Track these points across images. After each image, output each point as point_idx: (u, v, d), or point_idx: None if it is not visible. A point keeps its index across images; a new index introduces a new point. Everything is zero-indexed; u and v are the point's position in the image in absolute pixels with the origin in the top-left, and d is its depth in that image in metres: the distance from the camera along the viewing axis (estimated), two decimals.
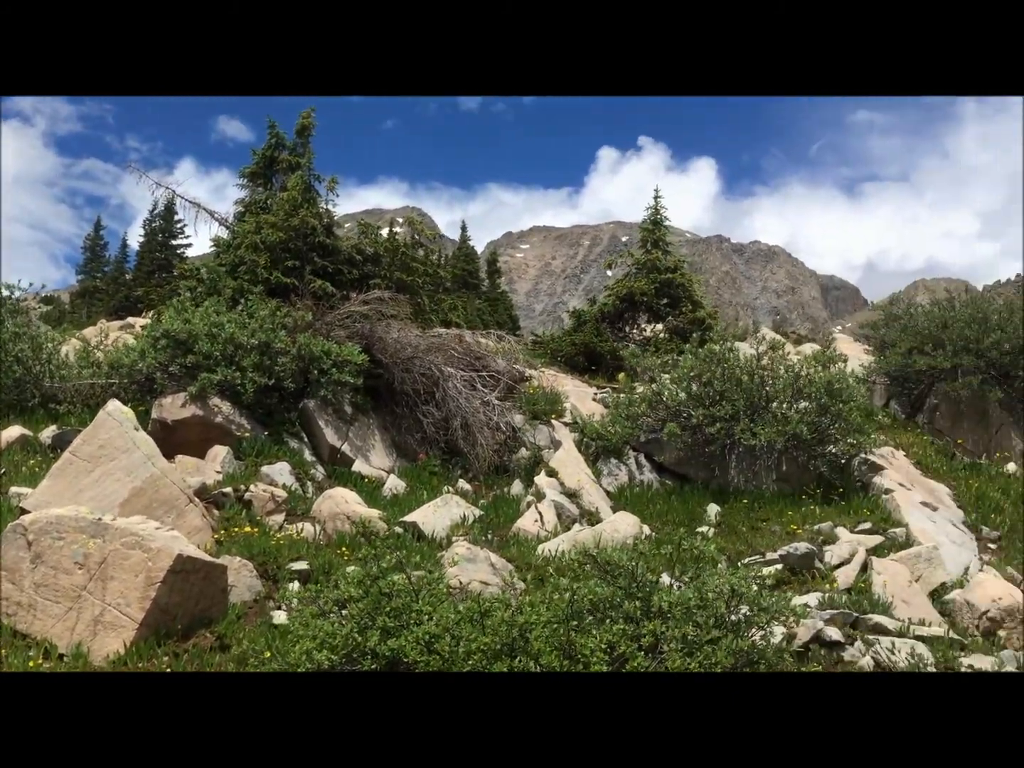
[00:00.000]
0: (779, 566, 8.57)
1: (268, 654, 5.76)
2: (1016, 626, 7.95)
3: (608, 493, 11.00)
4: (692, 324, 15.74)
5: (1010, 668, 6.97)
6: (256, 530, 8.19)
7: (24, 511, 7.23)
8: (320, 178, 15.39)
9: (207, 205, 16.06)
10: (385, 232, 17.38)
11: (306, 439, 10.95)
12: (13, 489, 8.22)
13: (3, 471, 8.87)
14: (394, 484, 10.52)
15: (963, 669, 6.82)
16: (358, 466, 10.81)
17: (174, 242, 39.21)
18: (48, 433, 10.02)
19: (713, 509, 10.21)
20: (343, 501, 9.11)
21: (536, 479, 10.51)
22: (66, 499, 7.28)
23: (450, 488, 10.36)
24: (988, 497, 10.78)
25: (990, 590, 8.19)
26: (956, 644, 7.35)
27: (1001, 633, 7.91)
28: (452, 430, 11.15)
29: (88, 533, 6.21)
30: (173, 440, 9.78)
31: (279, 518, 8.88)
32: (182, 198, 15.88)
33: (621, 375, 13.80)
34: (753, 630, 6.26)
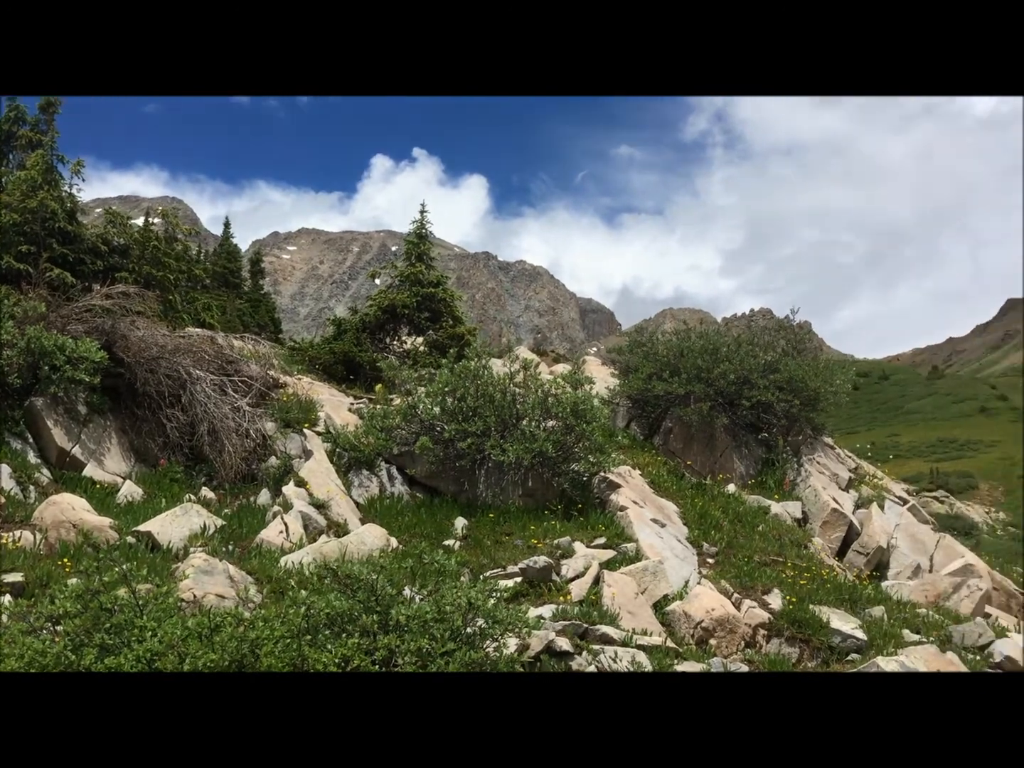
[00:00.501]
0: (519, 579, 8.89)
1: None
2: (725, 635, 8.70)
3: (358, 505, 10.95)
4: (451, 339, 16.01)
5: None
6: None
7: None
8: (65, 159, 14.30)
9: None
10: (139, 223, 16.39)
11: (31, 440, 10.09)
12: None
13: None
14: (130, 491, 9.90)
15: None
16: (90, 471, 10.09)
17: None
18: None
19: (461, 522, 10.43)
20: (69, 508, 8.48)
21: (284, 489, 10.28)
22: None
23: (192, 496, 9.90)
24: (710, 515, 11.70)
25: (705, 602, 8.91)
26: (672, 652, 7.95)
27: (712, 642, 8.62)
28: (198, 435, 10.66)
29: None
30: None
31: None
32: None
33: (379, 386, 13.79)
34: (488, 642, 6.46)
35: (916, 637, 9.05)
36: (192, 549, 8.29)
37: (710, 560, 10.63)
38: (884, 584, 11.61)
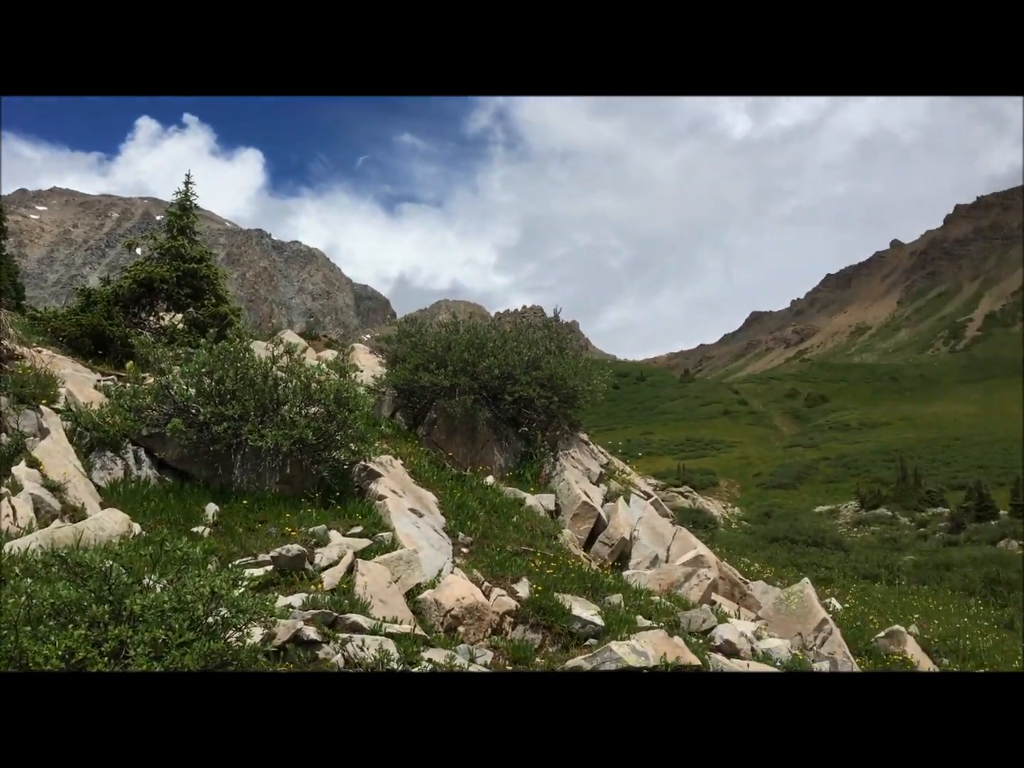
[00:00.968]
0: (270, 567, 8.71)
1: None
2: (474, 623, 8.94)
3: (99, 488, 10.27)
4: (214, 318, 15.37)
5: (462, 660, 7.80)
6: None
7: None
8: None
9: None
10: None
11: None
12: None
13: None
14: None
15: (423, 663, 7.49)
16: None
17: None
18: None
19: (212, 509, 10.05)
20: None
21: (14, 469, 9.46)
22: None
23: None
24: (467, 506, 11.97)
25: (456, 591, 9.11)
26: (421, 640, 8.07)
27: (461, 629, 8.83)
28: None
29: None
30: None
31: None
32: None
33: (130, 364, 12.99)
34: (231, 631, 6.29)
35: (648, 623, 9.70)
36: None
37: (465, 550, 10.87)
38: (625, 573, 12.34)
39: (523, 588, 9.84)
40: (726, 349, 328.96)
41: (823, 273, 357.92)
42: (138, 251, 18.30)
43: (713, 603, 12.04)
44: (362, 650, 7.03)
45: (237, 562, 8.60)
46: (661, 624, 9.76)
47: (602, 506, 13.96)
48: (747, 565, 22.40)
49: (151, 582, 6.67)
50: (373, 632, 7.84)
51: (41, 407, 10.64)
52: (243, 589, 7.07)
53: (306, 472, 10.94)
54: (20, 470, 9.44)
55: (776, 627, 11.68)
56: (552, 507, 13.42)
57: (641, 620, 9.81)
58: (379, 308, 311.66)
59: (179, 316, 15.89)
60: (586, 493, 13.81)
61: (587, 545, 13.28)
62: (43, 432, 10.36)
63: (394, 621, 8.24)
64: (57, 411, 10.94)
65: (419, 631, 8.26)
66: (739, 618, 11.62)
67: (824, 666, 10.27)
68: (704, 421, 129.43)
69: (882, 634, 14.01)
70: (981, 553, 38.95)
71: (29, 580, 6.47)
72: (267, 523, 9.86)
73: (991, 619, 20.81)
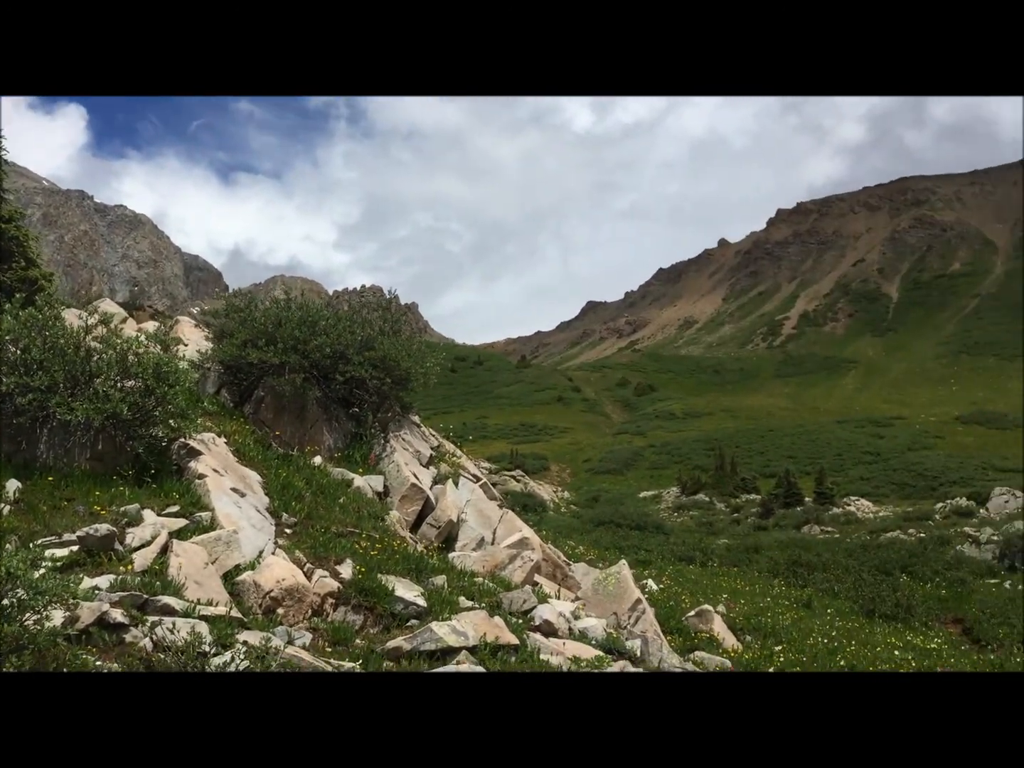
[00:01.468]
0: (76, 548, 8.27)
1: None
2: (294, 604, 8.80)
3: None
4: (23, 282, 14.38)
5: (278, 642, 7.67)
6: None
7: None
8: None
9: None
10: None
11: None
12: None
13: None
14: None
15: (238, 645, 7.31)
16: None
17: None
18: None
19: (13, 485, 9.41)
20: None
21: None
22: None
23: None
24: (293, 486, 11.73)
25: (276, 572, 8.94)
26: (236, 622, 7.87)
27: (280, 611, 8.68)
28: None
29: None
30: None
31: None
32: None
33: None
34: (28, 614, 5.97)
35: (470, 603, 9.84)
36: None
37: (288, 531, 10.66)
38: (451, 555, 12.46)
39: (347, 570, 9.77)
40: (562, 336, 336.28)
41: (656, 267, 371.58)
42: None
43: (536, 584, 12.34)
44: (172, 633, 6.78)
45: (39, 542, 8.12)
46: (483, 605, 9.92)
47: (431, 488, 14.00)
48: (572, 548, 23.08)
49: None
50: (186, 615, 7.59)
51: None
52: (44, 570, 6.71)
53: (120, 449, 10.42)
54: None
55: (594, 607, 12.09)
56: (381, 489, 13.36)
57: (464, 601, 9.94)
58: (210, 280, 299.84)
59: None
60: (415, 475, 13.82)
61: (415, 527, 13.29)
62: None
63: (209, 603, 8.00)
64: None
65: (236, 613, 8.05)
66: (559, 599, 11.96)
67: (636, 644, 10.72)
68: (538, 407, 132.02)
69: (692, 613, 14.78)
70: (787, 537, 41.69)
71: None
72: (75, 501, 9.34)
73: (791, 599, 22.31)
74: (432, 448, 15.91)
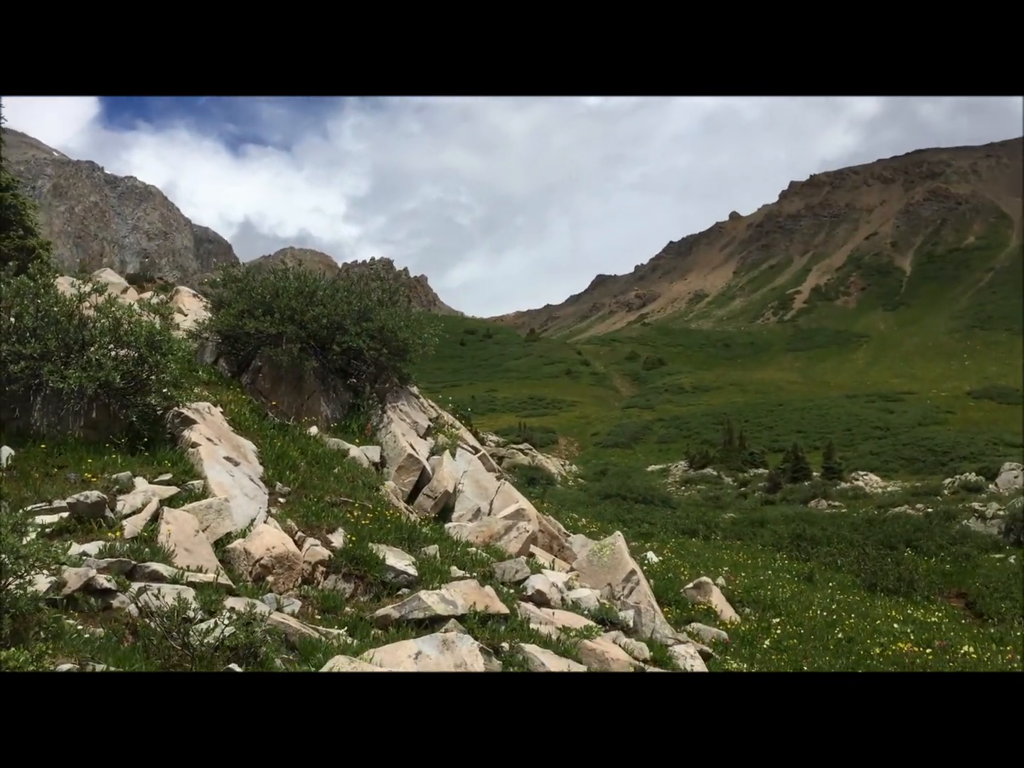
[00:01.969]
0: (66, 514, 8.30)
1: None
2: (283, 572, 8.83)
3: None
4: (20, 251, 14.37)
5: (268, 608, 7.69)
6: None
7: None
8: None
9: None
10: None
11: None
12: None
13: None
14: None
15: (224, 611, 7.32)
16: None
17: None
18: None
19: (6, 452, 9.44)
20: None
21: None
22: None
23: None
24: (288, 455, 11.75)
25: (267, 540, 8.96)
26: (224, 588, 7.90)
27: (270, 578, 8.71)
28: None
29: None
30: None
31: None
32: None
33: None
34: (10, 579, 6.01)
35: (462, 573, 9.86)
36: None
37: (282, 500, 10.69)
38: (447, 525, 12.49)
39: (338, 538, 9.79)
40: (571, 310, 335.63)
41: (666, 240, 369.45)
42: None
43: (531, 555, 12.36)
44: (157, 599, 6.81)
45: (28, 508, 8.14)
46: (475, 575, 9.94)
47: (428, 459, 14.01)
48: (574, 520, 23.13)
49: None
50: (174, 581, 7.63)
51: None
52: (32, 536, 6.73)
53: (114, 417, 10.44)
54: None
55: (588, 578, 12.11)
56: (377, 459, 13.37)
57: (456, 571, 9.96)
58: (221, 252, 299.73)
59: None
60: (412, 446, 13.82)
61: (411, 498, 13.32)
62: None
63: (199, 570, 8.03)
64: None
65: (224, 580, 8.08)
66: (554, 569, 11.98)
67: (629, 614, 10.74)
68: (547, 380, 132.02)
69: (690, 585, 14.80)
70: (793, 511, 41.67)
71: None
72: (67, 469, 9.37)
73: (793, 572, 22.30)
74: (431, 419, 15.90)
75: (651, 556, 18.55)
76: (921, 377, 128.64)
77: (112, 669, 5.90)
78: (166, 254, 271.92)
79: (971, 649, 13.35)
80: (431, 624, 8.33)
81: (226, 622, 6.81)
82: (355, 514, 10.50)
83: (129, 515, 8.62)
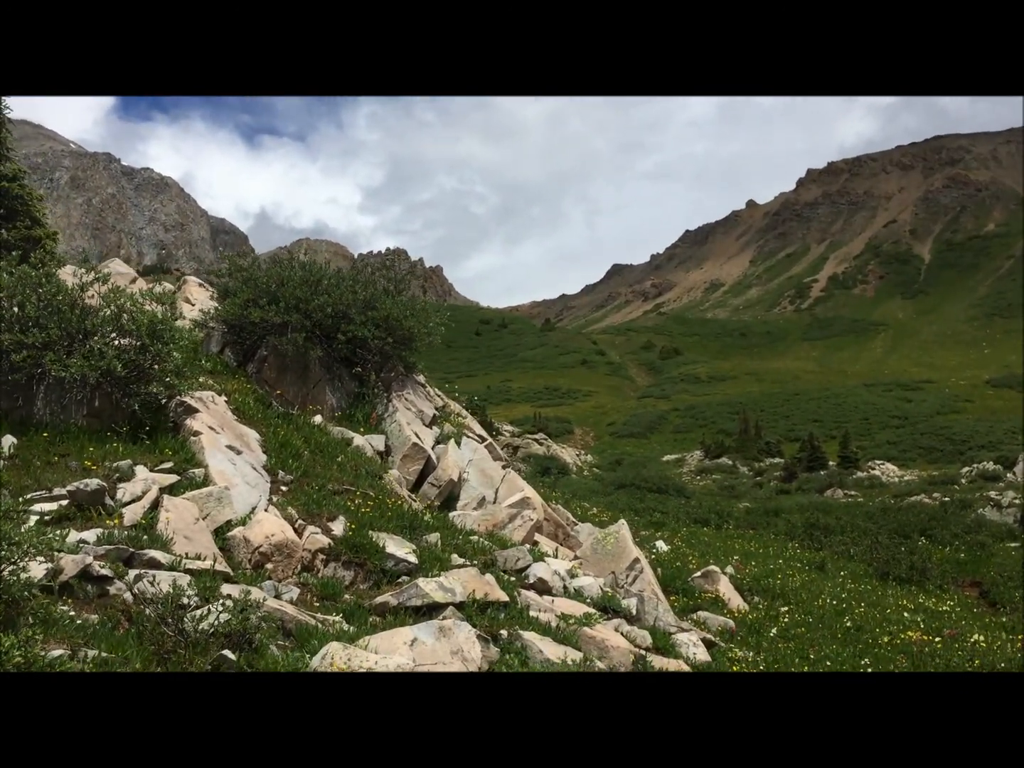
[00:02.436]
0: (66, 502, 8.34)
1: None
2: (283, 560, 8.84)
3: None
4: (27, 241, 14.43)
5: (266, 595, 7.71)
6: None
7: None
8: None
9: None
10: None
11: None
12: None
13: None
14: None
15: (221, 599, 7.34)
16: None
17: None
18: None
19: (8, 441, 9.49)
20: None
21: None
22: None
23: None
24: (291, 444, 11.75)
25: (267, 527, 8.97)
26: (222, 576, 7.91)
27: (269, 566, 8.73)
28: None
29: None
30: None
31: None
32: None
33: None
34: (3, 565, 6.03)
35: (462, 561, 9.84)
36: None
37: (284, 488, 10.70)
38: (452, 514, 12.48)
39: (339, 526, 9.79)
40: (587, 300, 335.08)
41: (682, 229, 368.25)
42: None
43: (535, 544, 12.33)
44: (153, 586, 6.82)
45: (29, 496, 8.18)
46: (476, 562, 9.92)
47: (433, 448, 14.00)
48: (584, 509, 23.06)
49: None
50: (171, 568, 7.65)
51: None
52: (30, 523, 6.76)
53: (116, 406, 10.47)
54: None
55: (592, 566, 12.07)
56: (382, 448, 13.37)
57: (456, 558, 9.95)
58: (237, 243, 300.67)
59: None
60: (417, 435, 13.81)
61: (416, 486, 13.31)
62: None
63: (197, 557, 8.04)
64: None
65: (222, 567, 8.10)
66: (557, 558, 11.95)
67: (632, 602, 10.70)
68: (563, 370, 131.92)
69: (698, 574, 14.74)
70: (808, 500, 41.48)
71: None
72: (69, 457, 9.41)
73: (805, 561, 22.19)
74: (437, 408, 15.88)
75: (661, 545, 18.50)
76: (940, 366, 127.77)
77: (104, 655, 5.92)
78: (183, 245, 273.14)
79: (981, 638, 13.25)
80: (429, 611, 8.33)
81: (220, 609, 6.82)
82: (357, 502, 10.50)
83: (129, 503, 8.64)
